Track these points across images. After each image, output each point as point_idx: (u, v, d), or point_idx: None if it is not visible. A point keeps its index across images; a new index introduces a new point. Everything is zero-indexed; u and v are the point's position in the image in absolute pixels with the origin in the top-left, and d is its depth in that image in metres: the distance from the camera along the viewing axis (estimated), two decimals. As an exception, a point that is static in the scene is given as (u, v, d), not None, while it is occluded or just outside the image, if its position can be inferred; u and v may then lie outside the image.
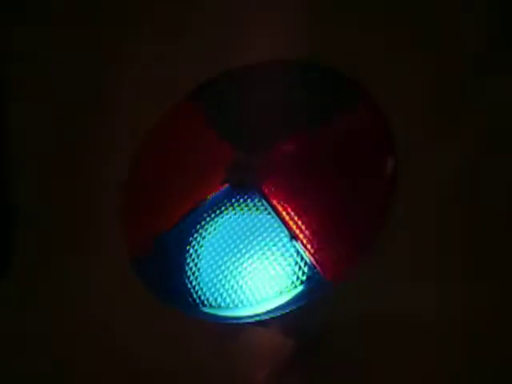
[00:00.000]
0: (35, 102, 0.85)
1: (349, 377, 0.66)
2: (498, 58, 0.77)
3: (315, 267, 0.59)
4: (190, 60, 0.82)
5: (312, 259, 0.59)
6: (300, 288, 0.58)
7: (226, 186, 0.63)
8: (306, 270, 0.59)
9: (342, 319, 0.67)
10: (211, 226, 0.62)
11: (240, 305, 0.59)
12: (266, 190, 0.61)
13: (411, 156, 0.67)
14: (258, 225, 0.61)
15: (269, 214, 0.61)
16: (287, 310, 0.58)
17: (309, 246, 0.59)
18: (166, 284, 0.63)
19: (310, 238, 0.59)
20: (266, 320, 0.58)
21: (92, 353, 0.72)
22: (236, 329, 0.67)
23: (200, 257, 0.62)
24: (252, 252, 0.60)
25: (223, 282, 0.60)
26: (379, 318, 0.66)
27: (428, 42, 0.78)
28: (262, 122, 0.65)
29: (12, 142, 0.83)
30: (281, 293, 0.58)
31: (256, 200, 0.62)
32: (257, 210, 0.61)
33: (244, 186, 0.63)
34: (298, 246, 0.59)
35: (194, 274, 0.61)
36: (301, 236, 0.59)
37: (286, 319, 0.60)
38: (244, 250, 0.60)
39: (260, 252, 0.60)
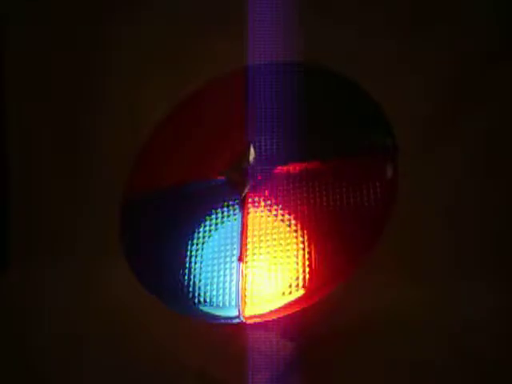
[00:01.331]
0: (35, 102, 0.85)
1: (348, 379, 0.67)
2: (498, 59, 0.77)
3: (238, 298, 0.58)
4: (191, 61, 0.83)
5: (240, 288, 0.58)
6: (292, 296, 0.58)
7: (222, 178, 0.63)
8: (234, 296, 0.58)
9: (343, 322, 0.67)
10: (208, 224, 0.62)
11: (237, 304, 0.59)
12: (248, 201, 0.61)
13: (412, 160, 0.67)
14: (229, 231, 0.60)
15: (238, 225, 0.61)
16: (284, 313, 0.58)
17: (244, 276, 0.59)
18: (162, 281, 0.62)
19: (251, 268, 0.58)
20: (266, 322, 0.58)
21: (91, 354, 0.72)
22: (235, 330, 0.67)
23: (197, 254, 0.61)
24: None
25: (219, 281, 0.59)
26: (380, 321, 0.66)
27: (428, 42, 0.78)
28: (286, 134, 0.64)
29: (12, 142, 0.83)
30: (279, 296, 0.58)
31: (236, 206, 0.61)
32: (229, 216, 0.61)
33: (236, 186, 0.62)
34: (239, 269, 0.59)
35: (190, 271, 0.61)
36: (246, 262, 0.59)
37: (285, 323, 0.60)
38: (228, 253, 0.60)
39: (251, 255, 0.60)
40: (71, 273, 0.76)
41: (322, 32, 0.80)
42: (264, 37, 0.73)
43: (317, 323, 0.67)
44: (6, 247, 0.79)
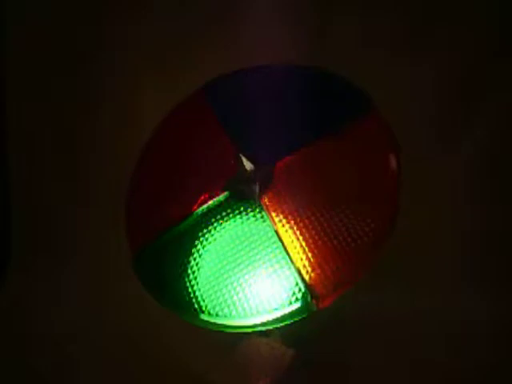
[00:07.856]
0: (35, 102, 0.85)
1: None
2: (499, 60, 0.77)
3: (305, 288, 0.58)
4: (191, 61, 0.82)
5: (302, 280, 0.58)
6: (296, 305, 0.57)
7: (225, 193, 0.63)
8: (296, 289, 0.58)
9: (342, 330, 0.67)
10: (212, 233, 0.62)
11: (238, 314, 0.59)
12: (265, 202, 0.61)
13: (416, 161, 0.67)
14: (256, 236, 0.60)
15: (268, 226, 0.60)
16: (286, 323, 0.58)
17: (303, 266, 0.58)
18: (165, 288, 0.62)
19: (305, 257, 0.58)
20: (266, 330, 0.58)
21: (91, 356, 0.72)
22: (235, 338, 0.67)
23: (201, 264, 0.62)
24: (249, 263, 0.60)
25: (223, 291, 0.59)
26: (379, 329, 0.66)
27: (428, 43, 0.78)
28: (270, 131, 0.64)
29: (12, 142, 0.83)
30: (280, 306, 0.58)
31: (256, 210, 0.61)
32: (255, 220, 0.61)
33: (244, 195, 0.62)
34: (292, 264, 0.59)
35: (194, 280, 0.61)
36: (295, 255, 0.59)
37: (286, 329, 0.60)
38: (242, 261, 0.60)
39: (256, 264, 0.60)
40: (72, 275, 0.76)
41: (322, 32, 0.80)
42: (263, 37, 0.73)
43: (318, 330, 0.67)
44: (9, 247, 0.79)
